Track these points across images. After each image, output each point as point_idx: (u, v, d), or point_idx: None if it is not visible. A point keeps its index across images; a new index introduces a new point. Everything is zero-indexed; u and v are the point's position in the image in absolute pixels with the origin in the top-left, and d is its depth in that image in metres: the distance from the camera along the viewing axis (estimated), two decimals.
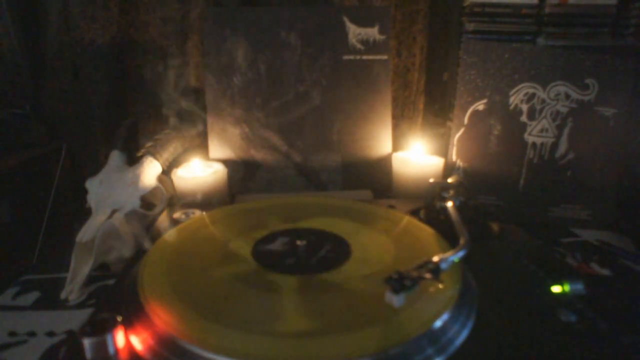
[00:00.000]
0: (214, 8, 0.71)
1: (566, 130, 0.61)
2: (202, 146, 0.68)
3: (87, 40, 0.72)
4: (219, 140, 0.67)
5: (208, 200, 0.57)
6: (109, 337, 0.26)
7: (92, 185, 0.52)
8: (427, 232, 0.42)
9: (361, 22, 0.67)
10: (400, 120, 0.81)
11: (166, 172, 0.60)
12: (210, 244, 0.41)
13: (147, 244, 0.47)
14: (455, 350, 0.28)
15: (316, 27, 0.66)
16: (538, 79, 0.61)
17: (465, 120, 0.64)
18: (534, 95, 0.61)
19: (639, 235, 0.57)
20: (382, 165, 0.69)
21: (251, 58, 0.66)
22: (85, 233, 0.46)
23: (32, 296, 0.45)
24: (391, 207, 0.52)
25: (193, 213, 0.50)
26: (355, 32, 0.67)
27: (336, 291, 0.33)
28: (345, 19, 0.66)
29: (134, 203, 0.52)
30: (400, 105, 0.81)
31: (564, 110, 0.61)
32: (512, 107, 0.62)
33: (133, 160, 0.56)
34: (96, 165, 0.71)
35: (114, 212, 0.50)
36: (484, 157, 0.64)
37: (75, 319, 0.41)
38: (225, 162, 0.65)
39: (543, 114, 0.61)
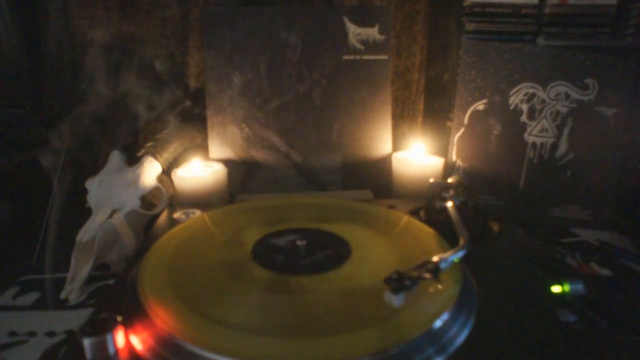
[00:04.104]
0: (214, 8, 0.71)
1: (566, 130, 0.61)
2: (202, 146, 0.68)
3: (87, 40, 0.72)
4: (219, 140, 0.67)
5: (208, 200, 0.57)
6: (109, 337, 0.26)
7: (92, 185, 0.53)
8: (427, 232, 0.42)
9: (361, 22, 0.67)
10: (400, 120, 0.81)
11: (166, 172, 0.60)
12: (210, 244, 0.41)
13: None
14: (455, 350, 0.28)
15: (316, 27, 0.66)
16: (538, 79, 0.61)
17: (465, 120, 0.64)
18: (534, 95, 0.61)
19: (639, 235, 0.57)
20: (382, 165, 0.69)
21: (251, 58, 0.66)
22: (85, 233, 0.46)
23: (32, 296, 0.45)
24: (391, 207, 0.52)
25: (193, 213, 0.50)
26: (355, 32, 0.67)
27: (336, 291, 0.33)
28: (345, 19, 0.66)
29: (134, 203, 0.52)
30: (400, 105, 0.81)
31: (564, 110, 0.61)
32: (512, 107, 0.62)
33: (133, 160, 0.56)
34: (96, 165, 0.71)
35: (114, 212, 0.50)
36: (484, 157, 0.64)
37: (75, 319, 0.41)
38: (225, 162, 0.65)
39: (543, 114, 0.61)
